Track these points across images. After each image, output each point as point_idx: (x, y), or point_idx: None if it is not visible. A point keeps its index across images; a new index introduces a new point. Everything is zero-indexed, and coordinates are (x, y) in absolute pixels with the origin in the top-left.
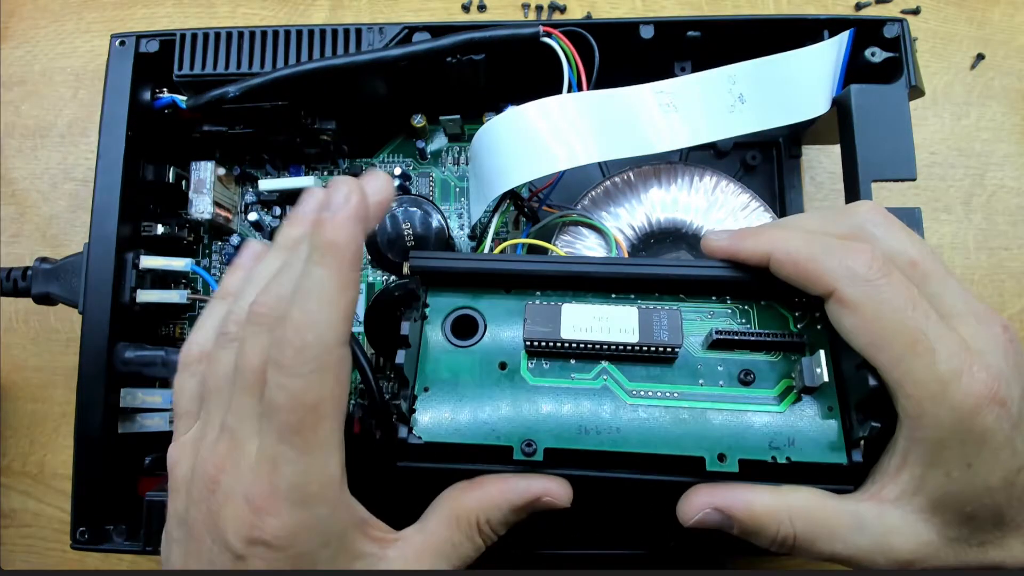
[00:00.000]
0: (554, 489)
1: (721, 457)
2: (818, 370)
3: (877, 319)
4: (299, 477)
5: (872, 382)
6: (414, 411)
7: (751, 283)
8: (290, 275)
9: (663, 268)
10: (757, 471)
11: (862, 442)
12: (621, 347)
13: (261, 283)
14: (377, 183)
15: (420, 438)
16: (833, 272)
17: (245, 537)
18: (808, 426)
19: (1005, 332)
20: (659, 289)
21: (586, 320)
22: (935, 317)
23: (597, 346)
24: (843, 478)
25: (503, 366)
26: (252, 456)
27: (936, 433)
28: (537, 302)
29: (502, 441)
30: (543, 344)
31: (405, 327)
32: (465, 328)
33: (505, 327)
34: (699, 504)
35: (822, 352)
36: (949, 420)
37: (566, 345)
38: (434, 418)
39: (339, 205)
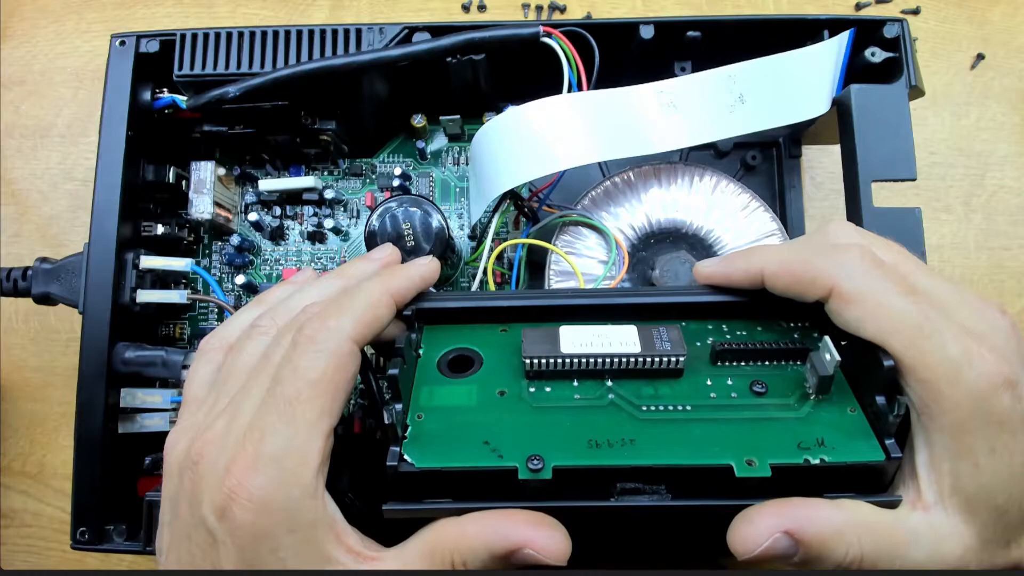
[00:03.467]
0: (540, 540)
1: (750, 462)
2: (827, 356)
3: (880, 307)
4: (279, 448)
5: (887, 362)
6: (405, 438)
7: (745, 304)
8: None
9: (658, 297)
10: (791, 477)
11: (894, 430)
12: (624, 359)
13: (312, 296)
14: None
15: (413, 465)
16: (828, 271)
17: (217, 508)
18: (834, 426)
19: (1004, 316)
20: (655, 316)
21: (585, 337)
22: (934, 302)
23: (599, 360)
24: (881, 480)
25: (502, 393)
26: (243, 426)
27: (955, 417)
28: (534, 327)
29: (505, 462)
30: (543, 363)
31: (400, 339)
32: (461, 365)
33: (502, 362)
34: (766, 528)
35: (827, 337)
36: (967, 402)
37: (567, 362)
38: (428, 443)
39: (422, 262)
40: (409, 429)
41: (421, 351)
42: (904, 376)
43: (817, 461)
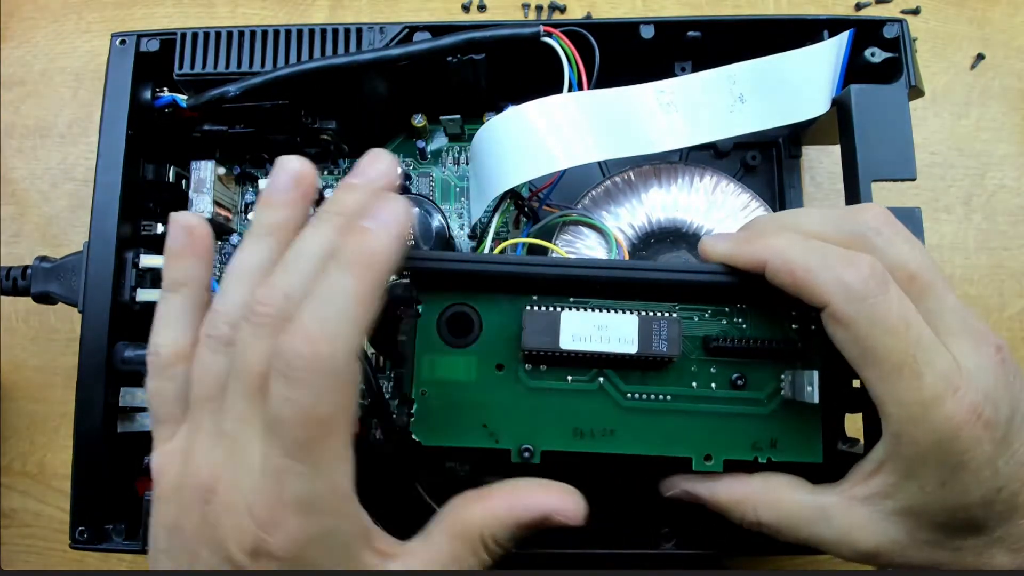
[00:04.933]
0: (566, 507)
1: (707, 457)
2: (809, 388)
3: (868, 338)
4: (307, 490)
5: (857, 383)
6: (412, 415)
7: (748, 288)
8: (300, 272)
9: (661, 273)
10: (739, 469)
11: (840, 446)
12: (619, 356)
13: (248, 272)
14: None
15: (420, 442)
16: (827, 286)
17: (249, 549)
18: (791, 428)
19: (998, 352)
20: (657, 293)
21: (586, 329)
22: (928, 335)
23: (596, 355)
24: (820, 474)
25: (500, 367)
26: (255, 465)
27: (913, 451)
28: (535, 308)
29: (500, 445)
30: (542, 353)
31: (402, 290)
32: (460, 326)
33: (501, 326)
34: (673, 485)
35: (816, 373)
36: (927, 442)
37: (565, 354)
38: (432, 422)
39: (391, 218)
40: (415, 406)
41: (420, 308)
42: (876, 403)
43: (764, 461)
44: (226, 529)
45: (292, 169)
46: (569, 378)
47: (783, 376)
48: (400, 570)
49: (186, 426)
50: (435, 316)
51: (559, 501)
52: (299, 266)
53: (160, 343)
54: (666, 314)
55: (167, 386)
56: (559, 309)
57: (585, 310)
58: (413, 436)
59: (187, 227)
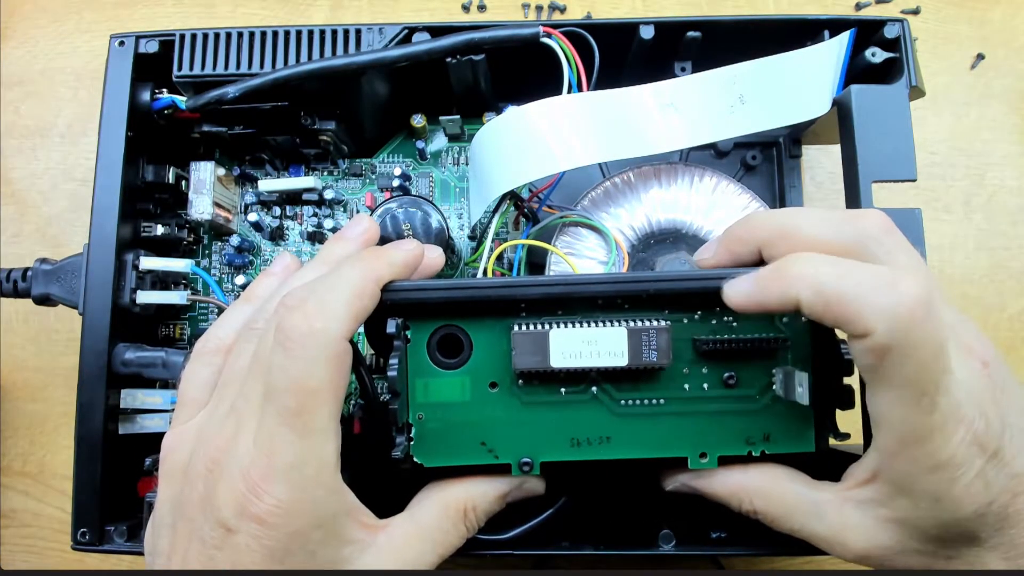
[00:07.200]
0: (532, 479)
1: (702, 455)
2: (800, 389)
3: (903, 365)
4: (297, 458)
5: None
6: (412, 440)
7: None
8: (318, 269)
9: (648, 285)
10: (735, 463)
11: (832, 438)
12: (611, 369)
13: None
14: (435, 254)
15: (422, 464)
16: (873, 317)
17: (238, 511)
18: (784, 422)
19: (986, 367)
20: (646, 303)
21: (575, 345)
22: (945, 360)
23: (587, 370)
24: (815, 466)
25: (493, 385)
26: (252, 434)
27: (909, 470)
28: (523, 327)
29: (500, 460)
30: (533, 372)
31: (391, 325)
32: (450, 348)
33: (491, 344)
34: (673, 479)
35: (806, 375)
36: (925, 464)
37: (556, 372)
38: (432, 444)
39: (407, 247)
40: (413, 430)
41: (409, 333)
42: (874, 413)
43: (758, 454)
44: (221, 494)
45: (365, 222)
46: (563, 390)
47: (774, 372)
48: (401, 570)
49: (207, 409)
50: (424, 340)
51: (527, 477)
52: (320, 266)
53: (211, 335)
54: (655, 323)
55: (202, 371)
56: (547, 328)
57: (573, 326)
58: (415, 459)
59: (286, 264)
